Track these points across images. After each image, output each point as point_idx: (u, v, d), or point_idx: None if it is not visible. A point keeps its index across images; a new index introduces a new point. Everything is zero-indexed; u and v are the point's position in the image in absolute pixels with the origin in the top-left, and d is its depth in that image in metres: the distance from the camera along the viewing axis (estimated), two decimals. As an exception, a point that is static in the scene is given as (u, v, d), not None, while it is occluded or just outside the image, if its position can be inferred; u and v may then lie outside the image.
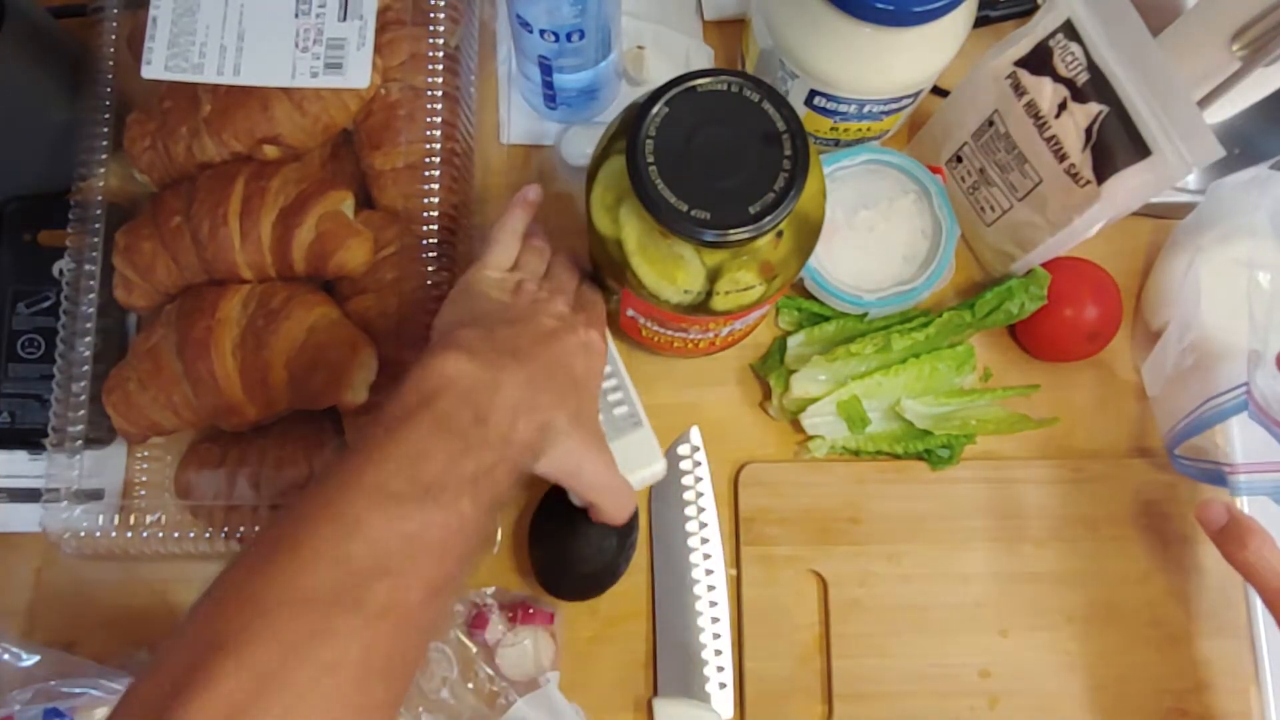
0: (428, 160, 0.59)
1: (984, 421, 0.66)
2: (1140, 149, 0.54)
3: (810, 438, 0.66)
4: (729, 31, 0.73)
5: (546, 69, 0.63)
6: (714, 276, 0.50)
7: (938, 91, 0.69)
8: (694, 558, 0.64)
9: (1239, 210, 0.63)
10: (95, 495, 0.59)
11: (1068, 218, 0.59)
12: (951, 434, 0.65)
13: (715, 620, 0.63)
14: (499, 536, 0.64)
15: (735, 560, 0.64)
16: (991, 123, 0.61)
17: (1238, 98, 0.63)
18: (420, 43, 0.60)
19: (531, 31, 0.60)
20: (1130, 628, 0.64)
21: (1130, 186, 0.55)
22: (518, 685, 0.60)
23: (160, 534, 0.56)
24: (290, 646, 0.34)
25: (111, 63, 0.61)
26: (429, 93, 0.59)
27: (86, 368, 0.58)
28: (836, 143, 0.67)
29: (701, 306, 0.52)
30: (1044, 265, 0.65)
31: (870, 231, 0.66)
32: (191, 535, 0.56)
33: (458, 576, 0.40)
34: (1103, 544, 0.65)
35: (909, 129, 0.72)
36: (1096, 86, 0.54)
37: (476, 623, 0.60)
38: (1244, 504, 0.66)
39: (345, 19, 0.58)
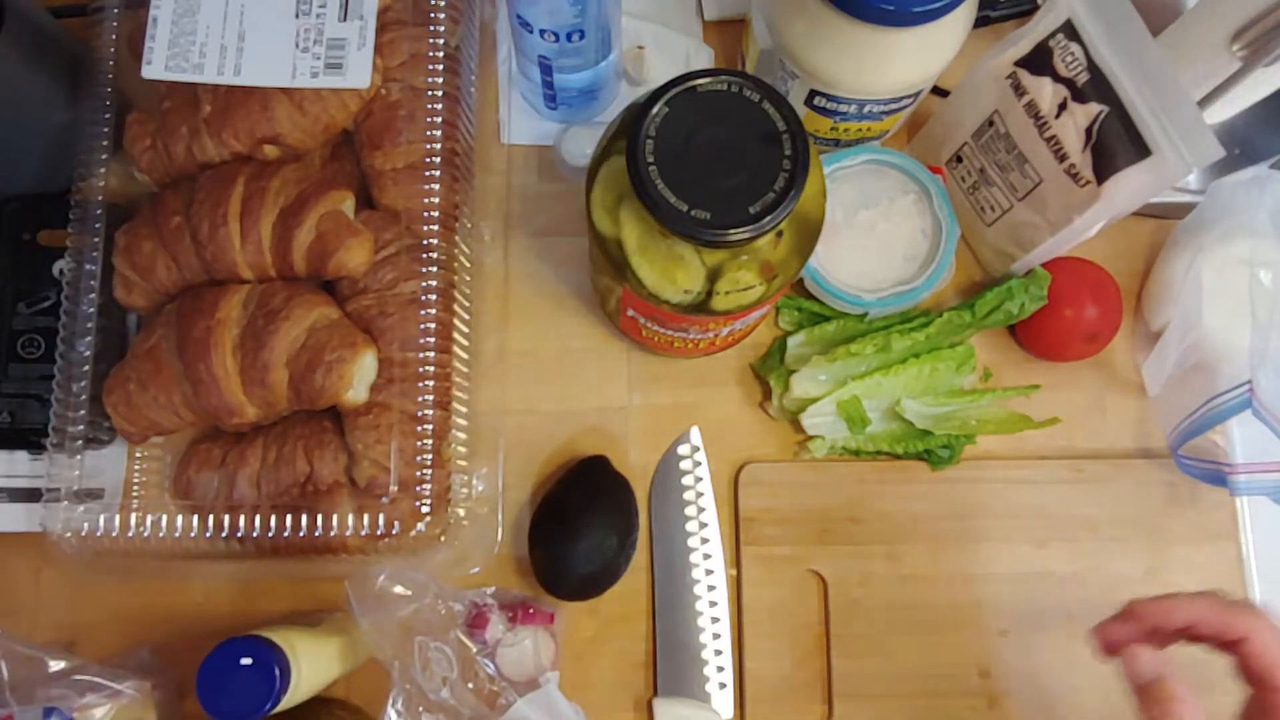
0: (428, 160, 0.59)
1: (984, 421, 0.66)
2: (1140, 149, 0.54)
3: (810, 438, 0.66)
4: (729, 31, 0.73)
5: (547, 69, 0.63)
6: (714, 276, 0.50)
7: (938, 91, 0.69)
8: (694, 558, 0.64)
9: (1239, 209, 0.63)
10: (95, 495, 0.59)
11: (1068, 218, 0.59)
12: (951, 434, 0.65)
13: (715, 620, 0.63)
14: (499, 537, 0.64)
15: (735, 560, 0.64)
16: (991, 123, 0.61)
17: (1238, 98, 0.63)
18: (421, 43, 0.60)
19: (532, 31, 0.60)
20: (1130, 628, 0.64)
21: (1130, 186, 0.55)
22: (518, 685, 0.59)
23: (160, 534, 0.56)
24: None
25: (111, 63, 0.61)
26: (429, 93, 0.59)
27: (86, 368, 0.58)
28: (836, 143, 0.67)
29: (701, 306, 0.52)
30: (1044, 265, 0.65)
31: (870, 231, 0.66)
32: (192, 535, 0.56)
33: None
34: (1103, 544, 0.65)
35: (909, 129, 0.72)
36: (1096, 86, 0.54)
37: (476, 623, 0.60)
38: (1244, 504, 0.66)
39: (345, 19, 0.58)
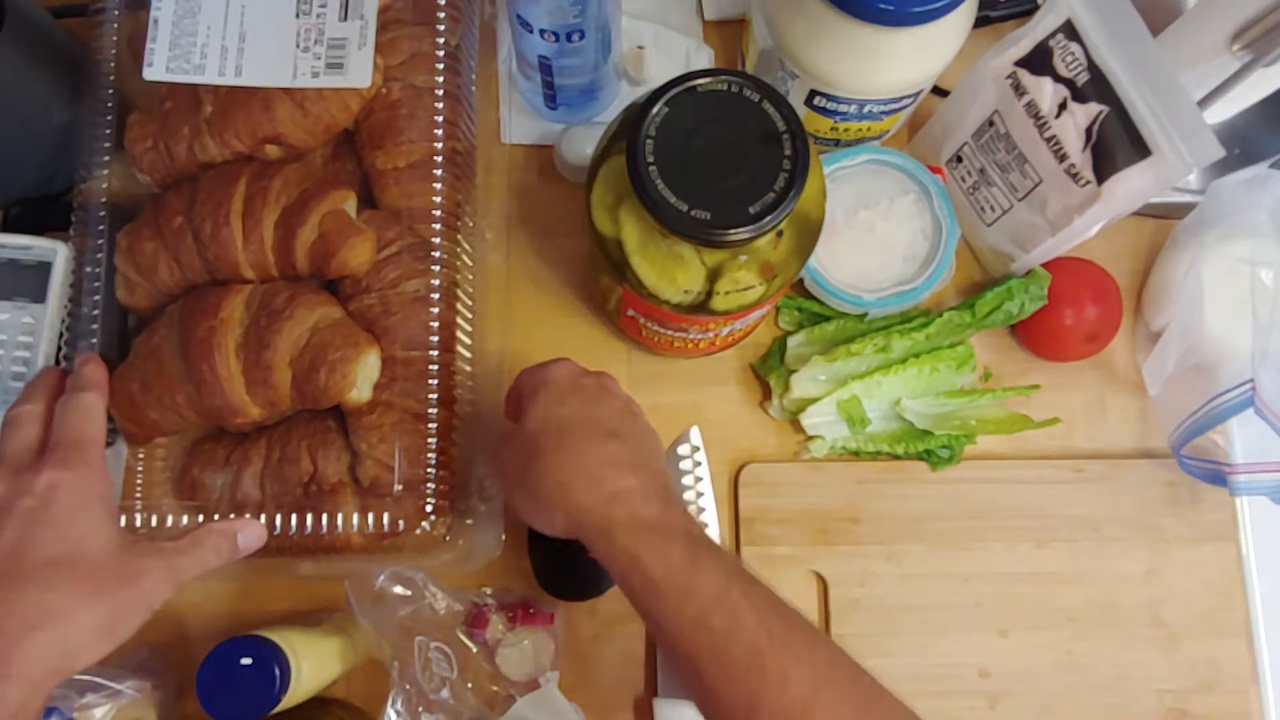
0: (430, 159, 0.59)
1: (984, 421, 0.66)
2: (1140, 149, 0.54)
3: (810, 438, 0.66)
4: (729, 31, 0.73)
5: (547, 69, 0.63)
6: (714, 276, 0.50)
7: (938, 91, 0.69)
8: (694, 557, 0.64)
9: (1240, 209, 0.63)
10: (97, 495, 0.59)
11: (1068, 218, 0.59)
12: (951, 434, 0.65)
13: (716, 620, 0.63)
14: (500, 537, 0.64)
15: (736, 560, 0.64)
16: (991, 123, 0.61)
17: (1238, 98, 0.63)
18: (421, 42, 0.60)
19: (532, 31, 0.60)
20: (1130, 628, 0.64)
21: (1130, 186, 0.55)
22: (518, 685, 0.60)
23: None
24: None
25: (112, 64, 0.61)
26: (431, 92, 0.59)
27: (88, 368, 0.58)
28: (836, 143, 0.67)
29: (701, 306, 0.52)
30: (1044, 265, 0.65)
31: (870, 231, 0.66)
32: (193, 535, 0.56)
33: None
34: (1103, 544, 0.65)
35: (909, 129, 0.72)
36: (1096, 86, 0.55)
37: (476, 623, 0.60)
38: (1244, 504, 0.66)
39: (346, 19, 0.58)
